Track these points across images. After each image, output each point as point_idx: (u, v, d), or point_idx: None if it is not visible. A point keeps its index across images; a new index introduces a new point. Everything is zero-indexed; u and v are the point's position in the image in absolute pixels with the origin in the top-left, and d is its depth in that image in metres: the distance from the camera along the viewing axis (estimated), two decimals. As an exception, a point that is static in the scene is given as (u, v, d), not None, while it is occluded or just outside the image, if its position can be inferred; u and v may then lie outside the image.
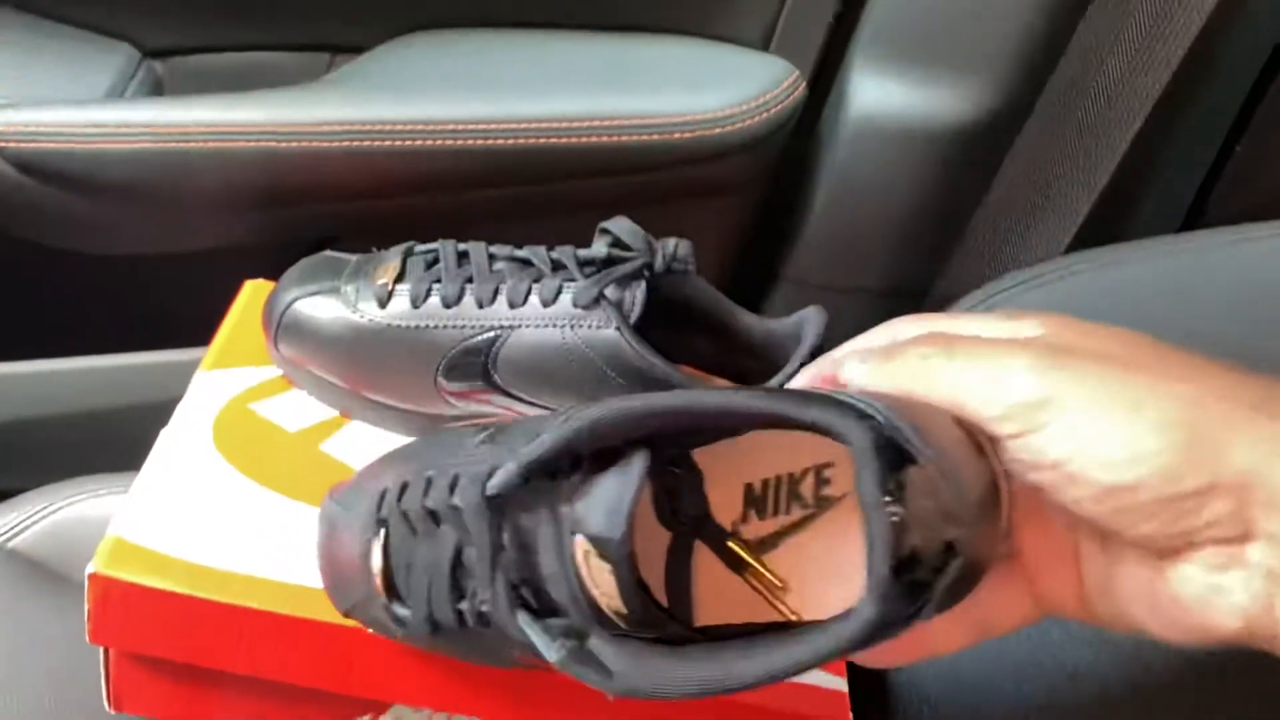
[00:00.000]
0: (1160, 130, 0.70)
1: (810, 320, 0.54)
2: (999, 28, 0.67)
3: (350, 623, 0.47)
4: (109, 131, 0.73)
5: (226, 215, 0.76)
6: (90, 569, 0.47)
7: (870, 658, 0.40)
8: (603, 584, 0.36)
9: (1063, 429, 0.33)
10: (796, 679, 0.50)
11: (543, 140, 0.73)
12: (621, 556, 0.35)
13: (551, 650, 0.37)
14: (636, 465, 0.35)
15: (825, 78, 0.82)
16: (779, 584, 0.40)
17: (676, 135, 0.74)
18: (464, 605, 0.41)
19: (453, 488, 0.41)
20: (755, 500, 0.41)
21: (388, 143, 0.73)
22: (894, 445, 0.32)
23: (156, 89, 0.87)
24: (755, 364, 0.56)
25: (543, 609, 0.39)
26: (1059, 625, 0.53)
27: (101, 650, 0.51)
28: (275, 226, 0.77)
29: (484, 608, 0.40)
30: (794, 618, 0.40)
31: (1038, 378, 0.33)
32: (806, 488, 0.40)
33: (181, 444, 0.54)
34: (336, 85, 0.80)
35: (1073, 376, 0.33)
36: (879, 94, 0.73)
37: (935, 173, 0.74)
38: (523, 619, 0.38)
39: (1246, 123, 0.72)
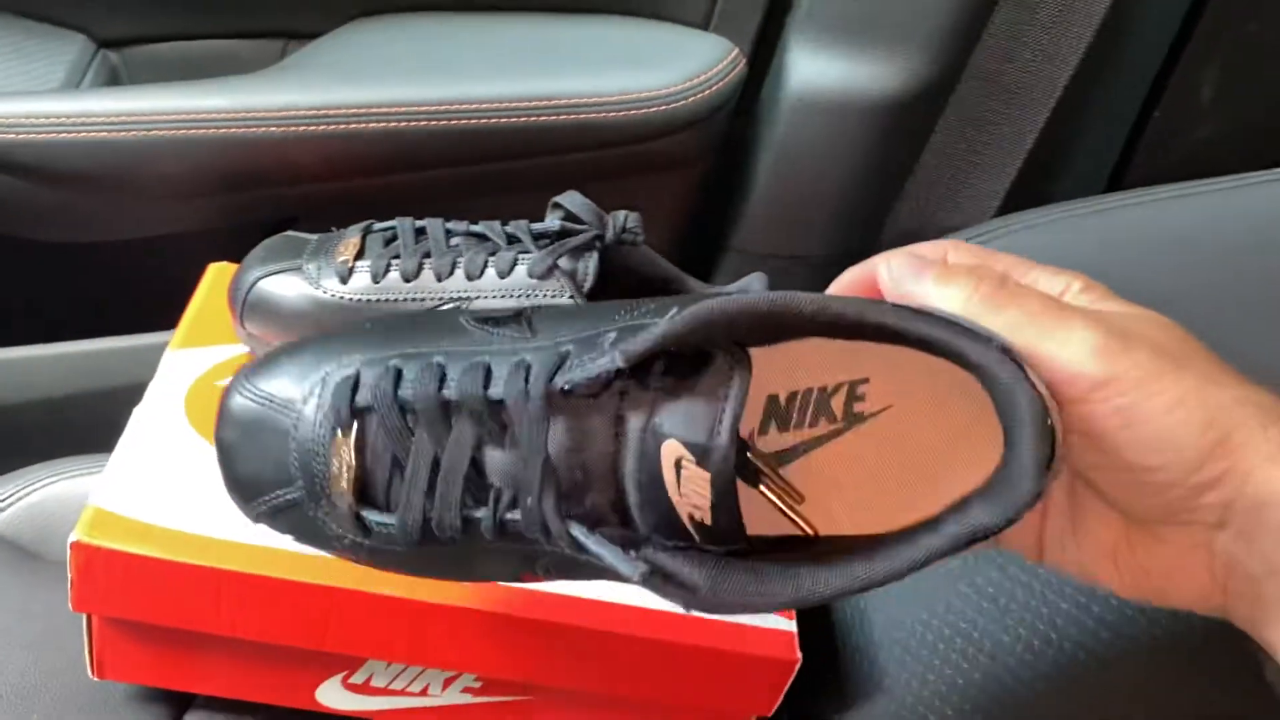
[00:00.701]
0: (1082, 96, 0.73)
1: (754, 285, 0.57)
2: (927, 3, 0.70)
3: (326, 580, 0.50)
4: (66, 123, 0.73)
5: (187, 201, 0.77)
6: (72, 537, 0.49)
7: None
8: (692, 494, 0.34)
9: (1111, 408, 0.35)
10: (747, 619, 0.53)
11: (493, 121, 0.75)
12: (724, 467, 0.33)
13: (628, 566, 0.34)
14: (741, 370, 0.34)
15: (764, 55, 0.84)
16: (796, 497, 0.38)
17: (622, 114, 0.76)
18: (480, 513, 0.37)
19: (488, 379, 0.37)
20: (778, 412, 0.39)
21: (344, 126, 0.74)
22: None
23: (113, 79, 0.87)
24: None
25: (585, 519, 0.36)
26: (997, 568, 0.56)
27: (84, 619, 0.53)
28: (236, 210, 0.78)
29: (511, 515, 0.37)
30: (810, 532, 0.38)
31: (1108, 358, 0.35)
32: (837, 403, 0.39)
33: (155, 419, 0.56)
34: (292, 71, 0.81)
35: (1133, 365, 0.35)
36: (815, 69, 0.75)
37: (870, 142, 0.76)
38: (578, 531, 0.35)
39: (1163, 87, 0.75)
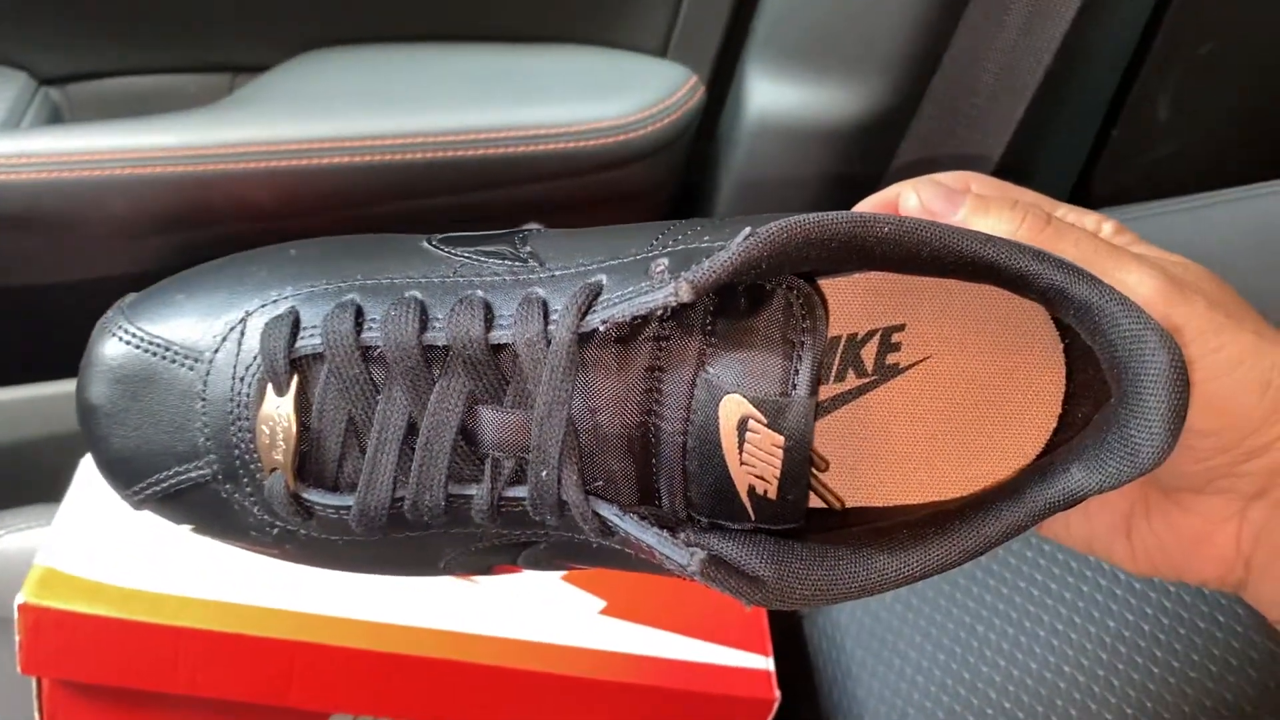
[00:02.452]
0: (1043, 118, 0.73)
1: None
2: (884, 29, 0.70)
3: (286, 635, 0.48)
4: (6, 164, 0.71)
5: (135, 241, 0.75)
6: (19, 599, 0.47)
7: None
8: (759, 462, 0.28)
9: None
10: (722, 661, 0.52)
11: (450, 154, 0.74)
12: (803, 428, 0.27)
13: (681, 554, 0.28)
14: (816, 309, 0.28)
15: (723, 80, 0.84)
16: (821, 463, 0.33)
17: (581, 144, 0.75)
18: (473, 489, 0.30)
19: (489, 318, 0.30)
20: None
21: (296, 162, 0.73)
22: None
23: (55, 117, 0.85)
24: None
25: (609, 495, 0.30)
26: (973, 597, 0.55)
27: (34, 682, 0.51)
28: (187, 249, 0.76)
29: (514, 492, 0.30)
30: (837, 504, 0.33)
31: (1169, 307, 0.32)
32: (868, 353, 0.33)
33: (104, 471, 0.54)
34: (241, 105, 0.80)
35: (1194, 315, 0.32)
36: (774, 95, 0.75)
37: (831, 168, 0.76)
38: (610, 511, 0.29)
39: (1120, 108, 0.76)
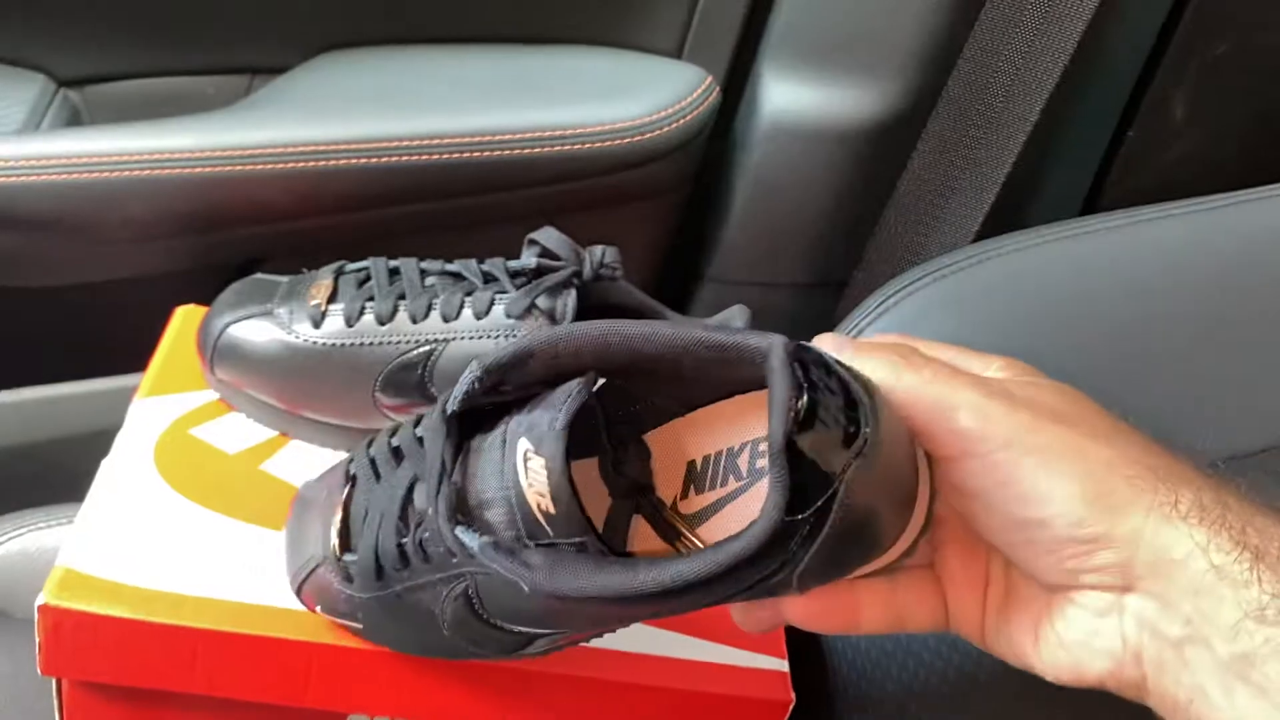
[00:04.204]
0: (1058, 118, 0.73)
1: (735, 317, 0.57)
2: (899, 30, 0.70)
3: (304, 637, 0.48)
4: (26, 165, 0.72)
5: (153, 243, 0.76)
6: (40, 600, 0.47)
7: (805, 621, 0.42)
8: (537, 482, 0.37)
9: (988, 464, 0.37)
10: (738, 663, 0.52)
11: (466, 155, 0.74)
12: (556, 450, 0.36)
13: (475, 541, 0.38)
14: (580, 381, 0.38)
15: (738, 82, 0.84)
16: (703, 548, 0.40)
17: (596, 145, 0.75)
18: (407, 540, 0.42)
19: (417, 423, 0.44)
20: (695, 476, 0.43)
21: (313, 163, 0.73)
22: (809, 364, 0.35)
23: (74, 119, 0.86)
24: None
25: (481, 530, 0.39)
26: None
27: (54, 682, 0.51)
28: (203, 251, 0.77)
29: (425, 534, 0.41)
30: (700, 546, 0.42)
31: (979, 418, 0.37)
32: (743, 460, 0.42)
33: (124, 472, 0.54)
34: (258, 107, 0.80)
35: (1008, 421, 0.37)
36: (789, 96, 0.75)
37: (846, 169, 0.76)
38: (463, 533, 0.39)
39: (1136, 109, 0.75)
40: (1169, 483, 0.35)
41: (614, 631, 0.46)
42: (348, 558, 0.45)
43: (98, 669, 0.49)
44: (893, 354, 0.39)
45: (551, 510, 0.37)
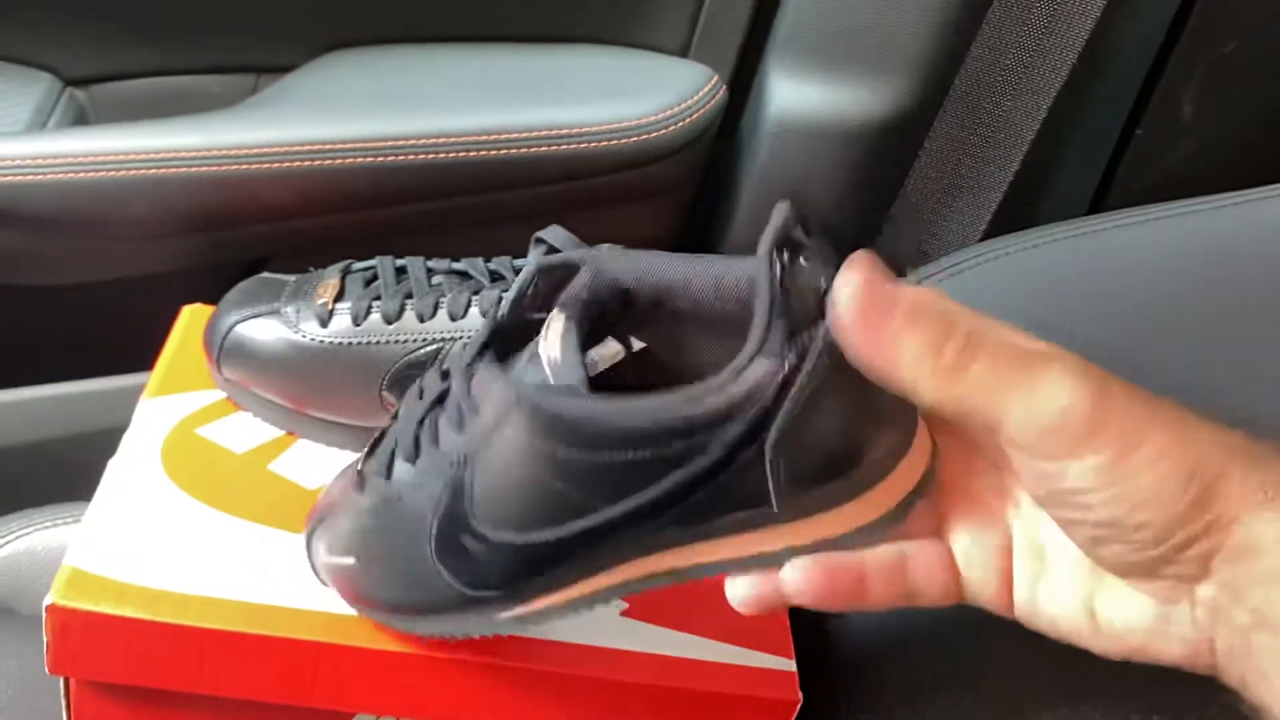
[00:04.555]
0: (1066, 117, 0.73)
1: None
2: (906, 28, 0.70)
3: (311, 636, 0.48)
4: (32, 164, 0.72)
5: (159, 241, 0.76)
6: (48, 600, 0.47)
7: (809, 593, 0.39)
8: (551, 335, 0.40)
9: (1094, 465, 0.33)
10: (744, 662, 0.52)
11: (472, 154, 0.74)
12: (574, 311, 0.40)
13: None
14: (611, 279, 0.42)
15: (744, 80, 0.84)
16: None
17: (602, 144, 0.75)
18: (424, 422, 0.43)
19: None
20: None
21: (319, 162, 0.73)
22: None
23: (80, 118, 0.86)
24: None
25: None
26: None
27: (61, 681, 0.51)
28: (209, 250, 0.77)
29: (444, 412, 0.42)
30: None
31: (1092, 407, 0.32)
32: None
33: (131, 471, 0.54)
34: (264, 106, 0.80)
35: (1115, 413, 0.33)
36: (796, 95, 0.75)
37: (853, 168, 0.76)
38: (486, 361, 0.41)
39: (1144, 108, 0.75)
40: (1258, 467, 0.33)
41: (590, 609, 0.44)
42: (368, 464, 0.46)
43: (105, 668, 0.49)
44: (947, 342, 0.33)
45: (557, 358, 0.39)
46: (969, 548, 0.40)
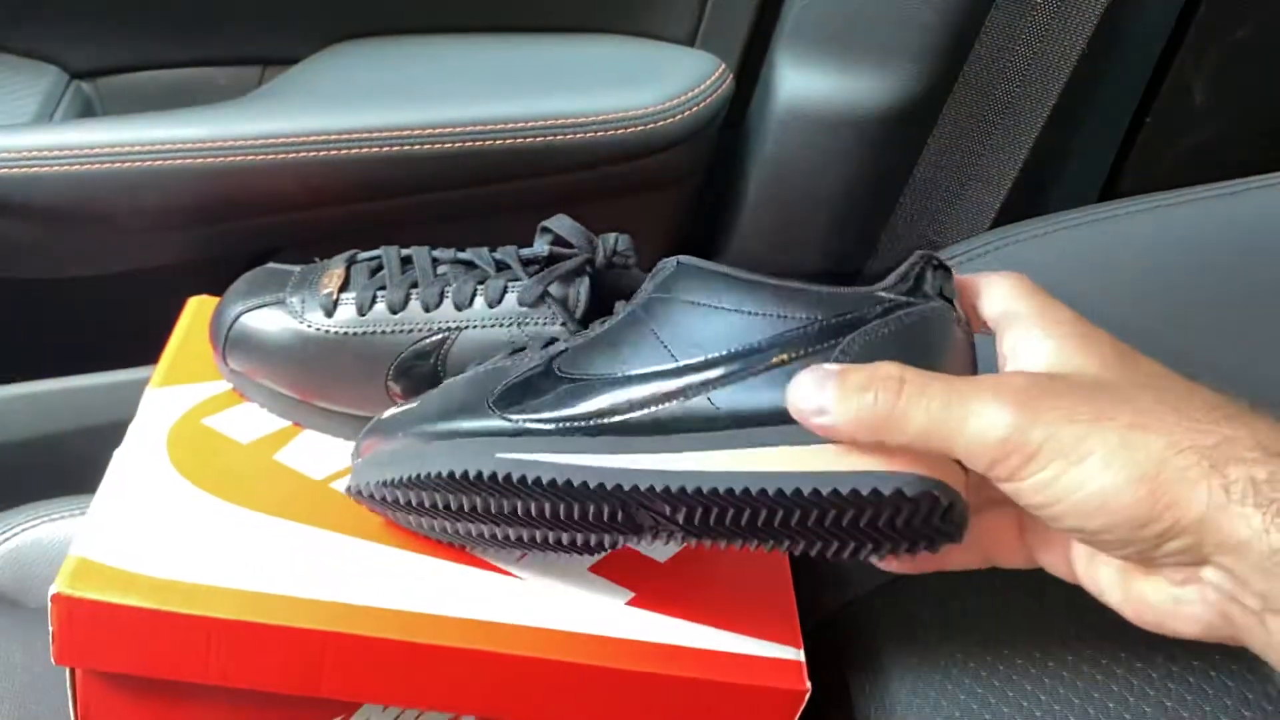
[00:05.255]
0: (1076, 104, 0.72)
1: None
2: (915, 16, 0.69)
3: (317, 625, 0.48)
4: (39, 156, 0.72)
5: (165, 233, 0.76)
6: (53, 590, 0.47)
7: (887, 566, 0.43)
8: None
9: (1036, 484, 0.36)
10: (753, 652, 0.52)
11: (478, 144, 0.74)
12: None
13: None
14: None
15: (752, 69, 0.83)
16: None
17: (609, 133, 0.75)
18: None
19: None
20: None
21: (325, 153, 0.73)
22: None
23: (87, 110, 0.86)
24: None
25: None
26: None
27: (68, 672, 0.51)
28: (215, 242, 0.77)
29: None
30: None
31: (1022, 436, 0.35)
32: None
33: (137, 462, 0.54)
34: (271, 98, 0.80)
35: (1051, 435, 0.35)
36: (803, 83, 0.74)
37: (861, 157, 0.76)
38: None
39: (1155, 94, 0.75)
40: (1220, 465, 0.34)
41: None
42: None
43: (111, 658, 0.49)
44: (872, 392, 0.38)
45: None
46: (1037, 539, 0.42)
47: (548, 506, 0.45)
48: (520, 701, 0.51)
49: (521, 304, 0.54)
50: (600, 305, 0.55)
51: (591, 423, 0.44)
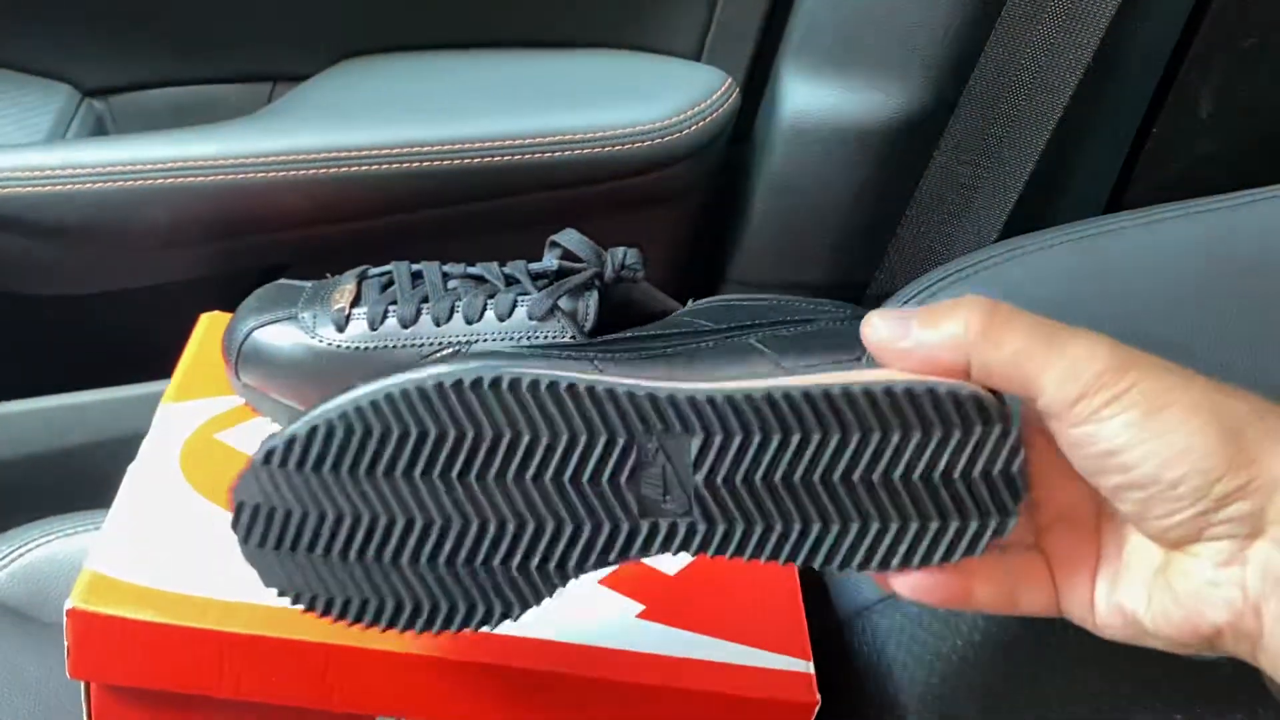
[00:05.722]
0: (1082, 116, 0.72)
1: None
2: (920, 29, 0.69)
3: (329, 639, 0.48)
4: (52, 175, 0.73)
5: (178, 250, 0.76)
6: (68, 604, 0.48)
7: (916, 587, 0.41)
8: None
9: (1127, 420, 0.35)
10: (762, 664, 0.52)
11: (487, 160, 0.74)
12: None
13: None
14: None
15: (758, 83, 0.84)
16: None
17: (616, 148, 0.75)
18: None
19: None
20: None
21: (335, 169, 0.74)
22: None
23: (99, 128, 0.87)
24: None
25: None
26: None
27: (82, 686, 0.51)
28: (226, 258, 0.77)
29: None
30: None
31: (1123, 367, 0.35)
32: None
33: (151, 476, 0.54)
34: (281, 115, 0.80)
35: (1146, 375, 0.35)
36: (810, 97, 0.75)
37: (867, 170, 0.76)
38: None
39: (1161, 105, 0.75)
40: None
41: None
42: None
43: (125, 672, 0.50)
44: (972, 315, 0.37)
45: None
46: (1065, 559, 0.41)
47: (547, 429, 0.39)
48: (531, 714, 0.51)
49: (531, 318, 0.55)
50: (609, 319, 0.55)
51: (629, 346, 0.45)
